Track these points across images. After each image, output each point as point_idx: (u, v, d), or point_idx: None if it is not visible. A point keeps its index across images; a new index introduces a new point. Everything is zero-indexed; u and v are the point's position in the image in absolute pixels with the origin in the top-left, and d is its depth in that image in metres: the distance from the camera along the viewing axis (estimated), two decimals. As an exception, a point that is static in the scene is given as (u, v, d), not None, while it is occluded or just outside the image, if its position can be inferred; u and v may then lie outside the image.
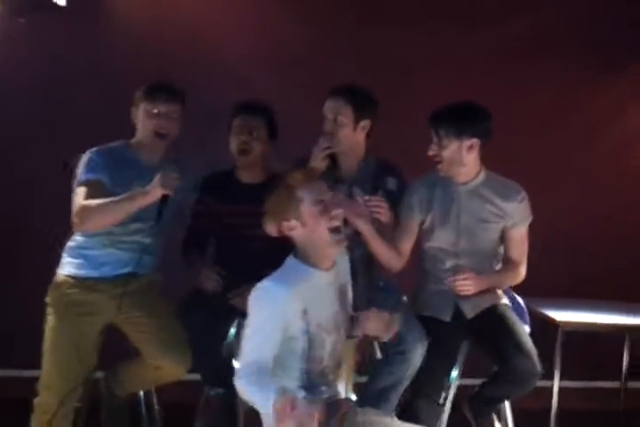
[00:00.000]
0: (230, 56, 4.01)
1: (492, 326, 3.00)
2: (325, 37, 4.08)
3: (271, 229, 2.44)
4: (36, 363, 2.91)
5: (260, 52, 4.06)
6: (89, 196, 2.84)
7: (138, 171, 2.94)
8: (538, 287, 3.57)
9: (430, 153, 3.00)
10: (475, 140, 2.97)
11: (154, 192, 2.76)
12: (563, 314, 3.61)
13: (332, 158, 3.11)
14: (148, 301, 2.98)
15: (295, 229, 2.38)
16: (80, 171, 2.93)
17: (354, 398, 2.86)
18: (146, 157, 3.02)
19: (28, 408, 2.89)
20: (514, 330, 2.97)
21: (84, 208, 2.81)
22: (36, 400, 2.88)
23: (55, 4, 3.65)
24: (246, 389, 2.22)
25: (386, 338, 2.50)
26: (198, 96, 3.41)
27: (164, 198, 2.79)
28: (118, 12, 3.97)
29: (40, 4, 3.59)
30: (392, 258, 3.02)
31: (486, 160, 3.07)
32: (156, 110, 2.98)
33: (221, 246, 3.33)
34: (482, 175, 3.07)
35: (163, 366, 2.91)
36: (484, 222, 3.04)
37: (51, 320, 2.90)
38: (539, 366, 2.87)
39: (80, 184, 2.89)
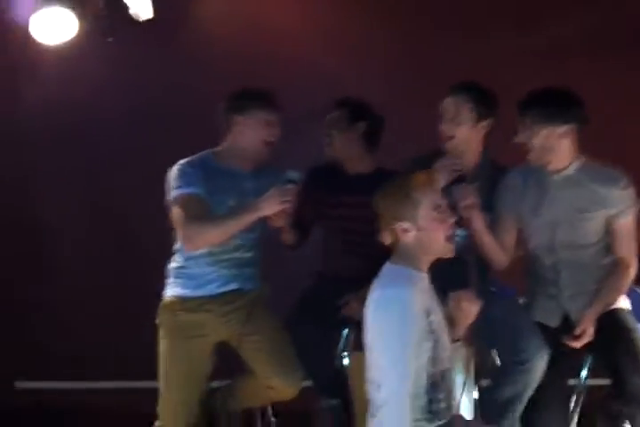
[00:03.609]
0: (319, 58, 3.92)
1: (606, 336, 2.77)
2: (414, 36, 3.98)
3: (384, 233, 2.32)
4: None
5: (347, 53, 3.97)
6: (191, 212, 2.77)
7: (230, 180, 2.88)
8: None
9: (517, 140, 2.82)
10: (568, 127, 2.77)
11: (269, 207, 2.71)
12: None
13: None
14: (256, 317, 2.91)
15: (408, 232, 2.28)
16: (174, 185, 2.85)
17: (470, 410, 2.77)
18: (236, 165, 2.93)
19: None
20: (631, 344, 2.74)
21: (192, 228, 2.77)
22: (157, 424, 2.92)
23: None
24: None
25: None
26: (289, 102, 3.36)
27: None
28: (204, 20, 3.94)
29: (129, 20, 3.58)
30: (498, 252, 2.87)
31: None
32: (271, 119, 2.92)
33: (329, 239, 3.30)
34: (577, 162, 2.84)
35: (274, 387, 2.87)
36: (583, 212, 2.82)
37: (163, 343, 2.89)
38: None
39: (178, 200, 2.82)
